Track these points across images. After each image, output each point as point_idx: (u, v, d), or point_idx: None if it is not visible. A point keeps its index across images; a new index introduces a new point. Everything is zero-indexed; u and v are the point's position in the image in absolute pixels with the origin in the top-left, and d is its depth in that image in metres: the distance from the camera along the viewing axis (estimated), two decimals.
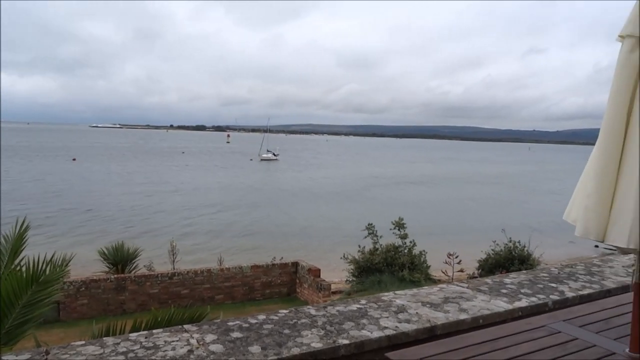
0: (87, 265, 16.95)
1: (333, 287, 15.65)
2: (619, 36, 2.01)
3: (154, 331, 2.56)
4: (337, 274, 18.39)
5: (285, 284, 15.37)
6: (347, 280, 16.71)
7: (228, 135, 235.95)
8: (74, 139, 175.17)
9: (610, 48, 2.02)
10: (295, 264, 15.55)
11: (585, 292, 3.57)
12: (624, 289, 3.70)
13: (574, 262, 4.55)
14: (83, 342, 2.40)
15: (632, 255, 4.32)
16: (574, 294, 3.49)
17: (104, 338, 2.47)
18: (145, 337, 2.46)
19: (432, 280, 15.70)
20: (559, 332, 2.31)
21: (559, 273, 4.04)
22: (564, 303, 3.34)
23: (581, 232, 2.02)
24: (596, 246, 25.58)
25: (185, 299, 13.63)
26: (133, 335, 2.49)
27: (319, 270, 14.91)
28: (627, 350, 2.11)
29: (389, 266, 15.33)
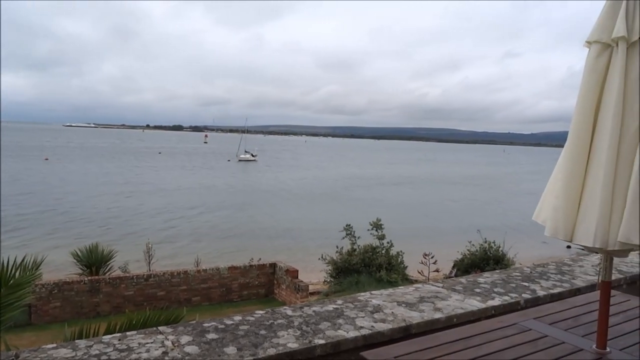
0: (60, 267, 16.59)
1: (311, 288, 15.65)
2: (586, 42, 2.07)
3: (128, 333, 2.53)
4: (315, 275, 18.41)
5: (263, 285, 15.31)
6: (325, 281, 16.75)
7: (206, 136, 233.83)
8: (47, 138, 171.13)
9: (583, 52, 2.09)
10: (273, 265, 15.51)
11: (556, 290, 3.66)
12: (592, 288, 3.80)
13: (546, 262, 4.66)
14: (54, 345, 2.36)
15: (600, 255, 4.45)
16: (545, 293, 3.58)
17: (76, 341, 2.43)
18: (119, 340, 2.43)
19: (409, 281, 15.84)
20: (530, 329, 2.37)
21: (531, 272, 4.13)
22: (536, 301, 3.42)
23: (550, 232, 2.07)
24: (568, 247, 26.20)
25: (161, 301, 13.45)
26: (106, 338, 2.46)
27: (297, 271, 14.90)
28: (594, 346, 2.18)
29: (367, 267, 15.42)
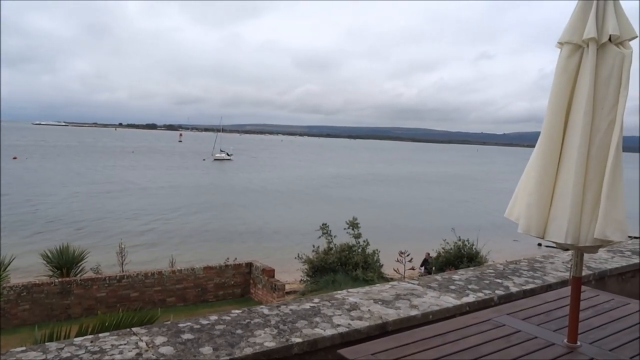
0: (30, 269, 16.15)
1: (287, 287, 15.63)
2: (558, 43, 2.12)
3: (100, 335, 2.47)
4: (291, 274, 18.39)
5: (239, 285, 15.21)
6: (301, 280, 16.75)
7: (180, 135, 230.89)
8: (16, 137, 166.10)
9: (554, 54, 2.14)
10: (249, 265, 15.42)
11: (529, 287, 3.73)
12: (563, 284, 3.90)
13: (519, 259, 4.75)
14: (24, 348, 2.29)
15: (571, 252, 4.56)
16: (518, 289, 3.65)
17: (47, 343, 2.36)
18: (91, 342, 2.38)
19: (385, 279, 15.97)
20: (504, 325, 2.41)
21: (504, 269, 4.21)
22: (509, 298, 3.48)
23: (523, 229, 2.11)
24: (539, 244, 26.82)
25: (134, 302, 13.22)
26: (78, 340, 2.40)
27: (273, 270, 14.85)
28: (565, 340, 2.23)
29: (343, 265, 15.48)
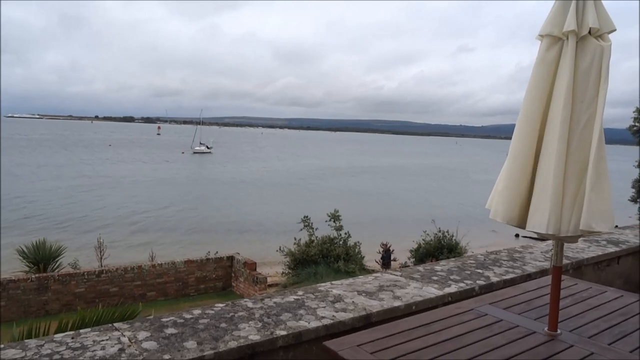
0: (3, 265, 15.81)
1: (269, 280, 15.62)
2: (539, 35, 2.14)
3: (82, 331, 2.43)
4: (273, 267, 18.38)
5: (220, 278, 15.14)
6: (283, 272, 16.76)
7: (159, 127, 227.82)
8: None
9: (531, 48, 2.17)
10: (231, 258, 15.36)
11: (509, 276, 3.79)
12: (542, 273, 3.97)
13: (499, 249, 4.83)
14: (2, 345, 2.24)
15: (549, 242, 4.65)
16: (498, 279, 3.71)
17: (26, 340, 2.31)
18: (72, 338, 2.33)
19: (366, 271, 16.08)
20: (486, 314, 2.44)
21: (484, 260, 4.27)
22: (490, 287, 3.53)
23: (505, 219, 2.14)
24: (517, 235, 27.31)
25: (114, 297, 13.07)
26: (58, 336, 2.35)
27: (255, 263, 14.82)
28: (545, 329, 2.27)
29: (325, 258, 15.55)
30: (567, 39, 2.07)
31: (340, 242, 16.45)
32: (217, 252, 16.90)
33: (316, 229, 16.87)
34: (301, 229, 16.81)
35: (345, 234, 16.91)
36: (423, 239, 17.96)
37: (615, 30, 2.06)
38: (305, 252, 15.76)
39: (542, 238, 2.27)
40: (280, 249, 16.61)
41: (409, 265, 17.21)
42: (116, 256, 18.56)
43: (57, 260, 14.19)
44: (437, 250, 17.10)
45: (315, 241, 16.28)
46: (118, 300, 12.62)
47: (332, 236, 16.53)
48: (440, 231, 17.70)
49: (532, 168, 2.15)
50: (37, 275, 12.91)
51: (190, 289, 14.57)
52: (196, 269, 14.69)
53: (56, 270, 13.89)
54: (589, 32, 2.04)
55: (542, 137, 2.14)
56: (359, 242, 17.00)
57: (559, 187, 2.03)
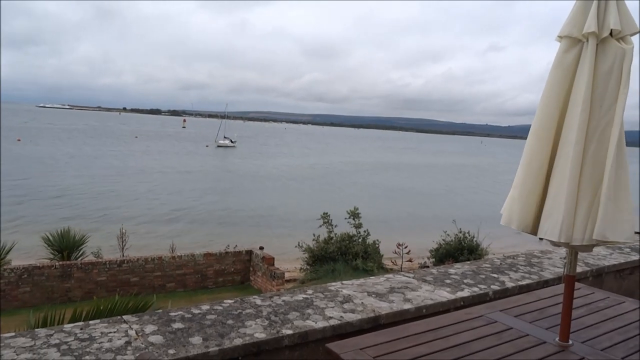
0: (30, 252, 16.23)
1: (287, 275, 15.68)
2: (558, 37, 2.07)
3: (91, 322, 2.47)
4: (292, 263, 18.43)
5: (238, 272, 15.27)
6: (301, 268, 16.80)
7: (184, 120, 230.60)
8: (25, 119, 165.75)
9: None
10: (249, 252, 15.46)
11: (525, 282, 3.71)
12: (560, 280, 3.87)
13: (516, 253, 4.73)
14: (13, 333, 2.28)
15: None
16: (513, 284, 3.62)
17: (36, 330, 2.36)
18: (81, 329, 2.37)
19: (384, 269, 16.01)
20: (496, 321, 2.39)
21: (500, 264, 4.18)
22: (504, 293, 3.46)
23: (517, 225, 2.08)
24: (541, 238, 26.75)
25: (134, 286, 13.31)
26: (68, 327, 2.39)
27: (273, 258, 14.89)
28: (557, 339, 2.21)
29: (343, 255, 15.52)
30: (587, 40, 2.00)
31: (359, 240, 16.40)
32: (236, 245, 17.04)
33: (335, 226, 16.85)
34: (320, 226, 16.81)
35: (365, 231, 16.84)
36: (443, 239, 17.76)
37: (638, 32, 1.98)
38: (324, 249, 15.76)
39: (556, 245, 2.20)
40: (299, 245, 16.65)
41: (428, 266, 17.06)
42: (140, 246, 18.87)
43: (81, 249, 14.52)
44: (457, 251, 16.88)
45: (334, 238, 16.26)
46: (137, 290, 12.84)
47: (351, 233, 16.49)
48: (460, 232, 17.47)
49: (547, 173, 2.09)
50: (60, 262, 13.22)
51: (209, 282, 14.73)
52: (215, 261, 14.84)
53: (79, 259, 14.21)
54: (610, 34, 1.97)
55: (558, 141, 2.07)
56: (378, 240, 16.91)
57: (573, 194, 1.97)
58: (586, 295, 2.88)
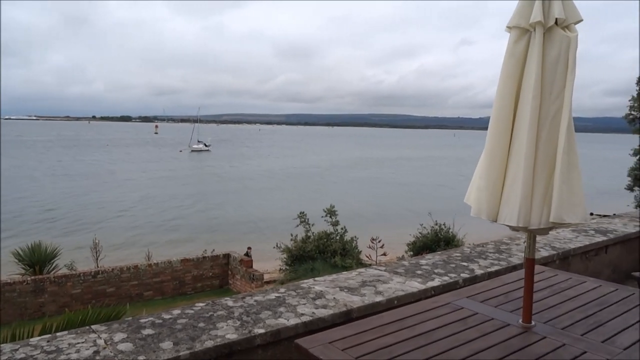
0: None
1: (267, 276, 15.64)
2: (507, 27, 2.12)
3: (58, 334, 2.43)
4: (271, 264, 18.36)
5: (217, 276, 15.16)
6: (280, 269, 16.75)
7: (156, 126, 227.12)
8: None
9: None
10: (227, 256, 15.37)
11: (493, 269, 3.79)
12: None
13: (486, 242, 4.82)
14: None
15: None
16: (482, 272, 3.70)
17: (1, 345, 2.31)
18: (48, 341, 2.33)
19: (363, 265, 16.09)
20: (462, 308, 2.44)
21: (470, 252, 4.26)
22: (474, 280, 3.52)
23: (475, 212, 2.13)
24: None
25: (111, 297, 13.09)
26: (34, 340, 2.35)
27: (251, 260, 14.83)
28: (520, 321, 2.27)
29: (322, 253, 15.53)
30: (535, 30, 2.05)
31: (337, 237, 16.44)
32: (213, 250, 16.90)
33: (312, 225, 16.85)
34: (297, 225, 16.80)
35: (342, 229, 16.90)
36: (420, 232, 17.92)
37: (581, 20, 2.04)
38: (302, 248, 15.75)
39: (515, 230, 2.26)
40: (277, 245, 16.60)
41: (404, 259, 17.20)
42: (114, 256, 18.55)
43: (53, 262, 14.19)
44: (434, 243, 17.05)
45: (312, 237, 16.26)
46: (115, 300, 12.63)
47: (328, 231, 16.52)
48: (437, 224, 17.65)
49: (504, 161, 2.14)
50: (32, 277, 12.91)
51: (187, 288, 14.58)
52: (193, 267, 14.70)
53: (52, 272, 13.89)
54: (556, 23, 2.03)
55: (513, 129, 2.13)
56: (355, 236, 16.99)
57: (528, 180, 2.03)
58: (549, 278, 2.96)
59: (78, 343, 2.32)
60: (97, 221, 28.81)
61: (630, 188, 22.94)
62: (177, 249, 21.96)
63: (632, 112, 22.83)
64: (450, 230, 17.46)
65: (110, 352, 2.23)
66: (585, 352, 1.98)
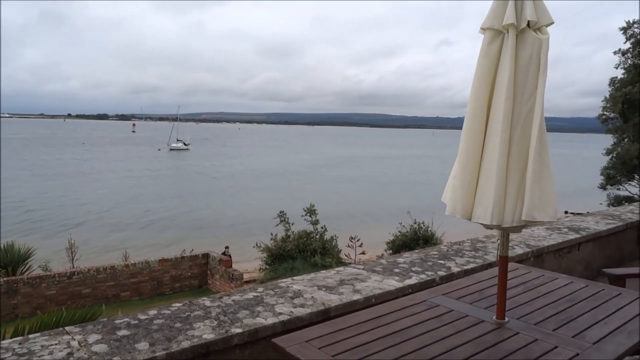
0: None
1: (247, 276, 15.57)
2: (481, 29, 2.16)
3: (30, 336, 2.38)
4: (251, 263, 18.29)
5: (196, 276, 15.03)
6: (260, 268, 16.71)
7: (133, 125, 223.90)
8: None
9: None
10: (206, 256, 15.25)
11: (469, 266, 3.85)
12: None
13: (463, 240, 4.89)
14: None
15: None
16: (459, 269, 3.76)
17: None
18: (20, 344, 2.29)
19: (343, 264, 16.14)
20: (437, 305, 2.48)
21: (447, 250, 4.32)
22: (450, 278, 3.57)
23: (450, 211, 2.17)
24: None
25: (87, 298, 12.87)
26: (5, 343, 2.30)
27: (230, 260, 14.76)
28: (494, 317, 2.31)
29: (301, 252, 15.55)
30: (508, 32, 2.09)
31: (317, 237, 16.48)
32: (192, 250, 16.75)
33: (292, 224, 16.85)
34: (277, 224, 16.77)
35: (322, 227, 16.93)
36: (399, 231, 18.06)
37: (553, 22, 2.09)
38: (282, 247, 15.74)
39: (489, 228, 2.30)
40: (257, 245, 16.55)
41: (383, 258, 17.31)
42: (91, 257, 18.24)
43: (27, 263, 13.87)
44: (413, 241, 17.20)
45: (292, 236, 16.26)
46: (91, 301, 12.42)
47: (308, 230, 16.54)
48: (415, 222, 17.81)
49: (477, 160, 2.17)
50: (5, 278, 12.61)
51: (165, 288, 14.43)
52: (171, 267, 14.55)
53: (26, 273, 13.59)
54: (528, 25, 2.07)
55: (487, 130, 2.17)
56: (335, 235, 17.05)
57: (501, 179, 2.06)
58: (523, 275, 3.02)
59: (51, 345, 2.28)
60: (77, 223, 28.25)
61: (603, 187, 23.50)
62: (158, 250, 21.70)
63: (605, 113, 23.40)
64: (429, 229, 17.63)
65: (85, 353, 2.20)
66: (556, 347, 2.03)
